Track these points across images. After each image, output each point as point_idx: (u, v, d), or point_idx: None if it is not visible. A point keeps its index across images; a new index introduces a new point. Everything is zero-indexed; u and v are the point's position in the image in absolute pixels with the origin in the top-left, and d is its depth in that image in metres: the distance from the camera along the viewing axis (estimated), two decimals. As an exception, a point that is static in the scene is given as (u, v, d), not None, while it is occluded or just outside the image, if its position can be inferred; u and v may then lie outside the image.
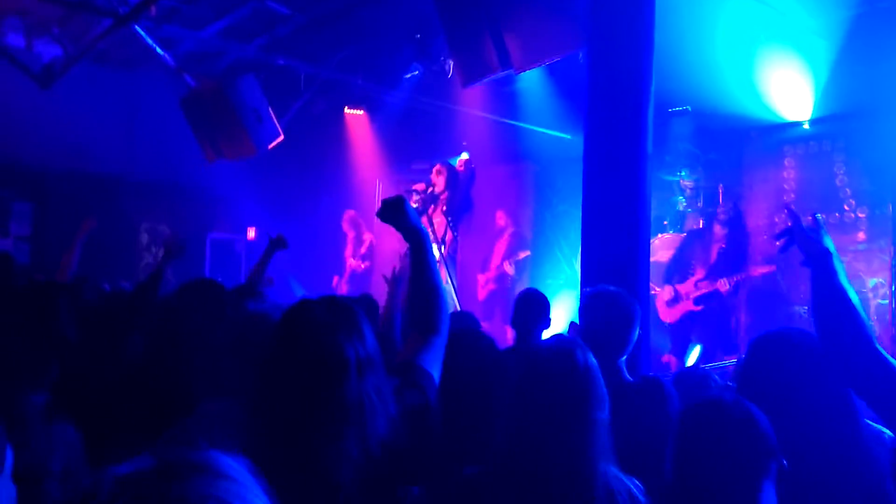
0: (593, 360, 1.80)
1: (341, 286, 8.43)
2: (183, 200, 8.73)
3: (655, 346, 6.02)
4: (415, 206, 7.16)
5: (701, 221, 7.63)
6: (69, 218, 7.55)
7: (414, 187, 7.31)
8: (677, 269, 7.22)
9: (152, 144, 8.39)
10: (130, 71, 8.21)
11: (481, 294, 8.58)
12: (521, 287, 8.55)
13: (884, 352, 1.79)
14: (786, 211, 2.19)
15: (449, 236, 7.46)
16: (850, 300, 1.87)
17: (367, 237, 8.67)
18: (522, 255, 8.53)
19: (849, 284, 1.93)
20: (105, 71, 8.13)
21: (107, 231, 5.63)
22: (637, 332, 2.65)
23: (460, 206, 7.93)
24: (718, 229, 7.07)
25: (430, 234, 7.15)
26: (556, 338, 1.94)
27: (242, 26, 7.07)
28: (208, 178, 8.16)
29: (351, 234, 8.48)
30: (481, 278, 8.60)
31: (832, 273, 1.93)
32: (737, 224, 7.00)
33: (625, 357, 2.63)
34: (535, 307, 3.88)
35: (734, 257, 6.92)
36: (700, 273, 7.04)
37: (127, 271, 8.75)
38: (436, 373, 1.84)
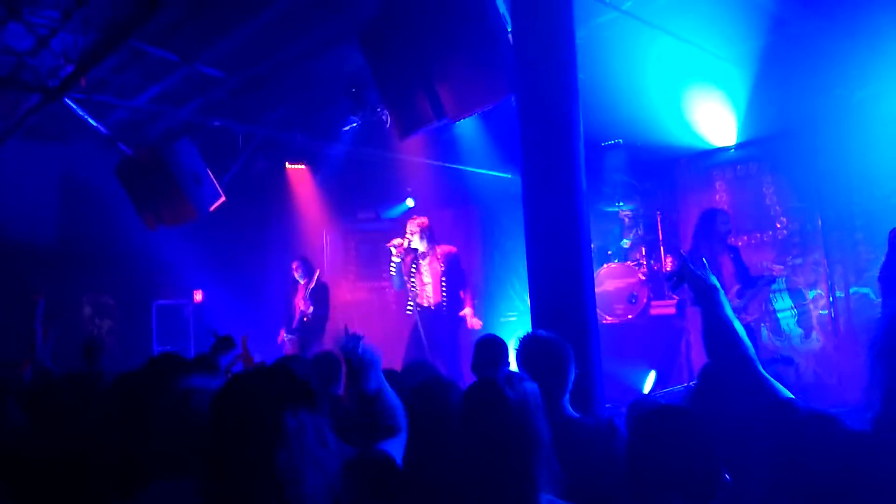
0: (528, 393, 1.86)
1: (287, 342, 8.22)
2: (125, 269, 8.55)
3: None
4: (397, 259, 7.17)
5: (643, 249, 7.83)
6: (8, 294, 7.34)
7: (391, 244, 7.35)
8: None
9: (90, 215, 8.22)
10: (63, 143, 8.09)
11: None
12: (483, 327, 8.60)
13: (766, 374, 1.99)
14: (672, 256, 2.43)
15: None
16: (734, 330, 2.07)
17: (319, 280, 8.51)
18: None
19: (733, 315, 2.15)
20: (37, 145, 8.00)
21: (48, 305, 5.48)
22: (573, 372, 2.74)
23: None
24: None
25: (425, 287, 7.16)
26: (494, 374, 1.97)
27: (175, 91, 7.07)
28: (150, 244, 8.02)
29: (304, 282, 8.35)
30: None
31: (719, 306, 2.13)
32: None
33: (566, 395, 2.71)
34: (493, 351, 3.91)
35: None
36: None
37: (70, 345, 8.48)
38: None
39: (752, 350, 2.02)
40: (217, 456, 1.49)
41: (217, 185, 6.82)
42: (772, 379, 1.96)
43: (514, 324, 8.40)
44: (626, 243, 7.91)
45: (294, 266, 8.41)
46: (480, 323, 7.09)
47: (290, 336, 8.21)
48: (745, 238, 6.91)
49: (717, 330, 2.09)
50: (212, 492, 1.48)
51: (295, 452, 1.46)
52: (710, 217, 6.03)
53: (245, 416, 1.49)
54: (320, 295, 8.38)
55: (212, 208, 6.77)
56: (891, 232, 4.44)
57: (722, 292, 2.18)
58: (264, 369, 1.64)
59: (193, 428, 1.90)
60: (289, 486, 1.44)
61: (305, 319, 8.21)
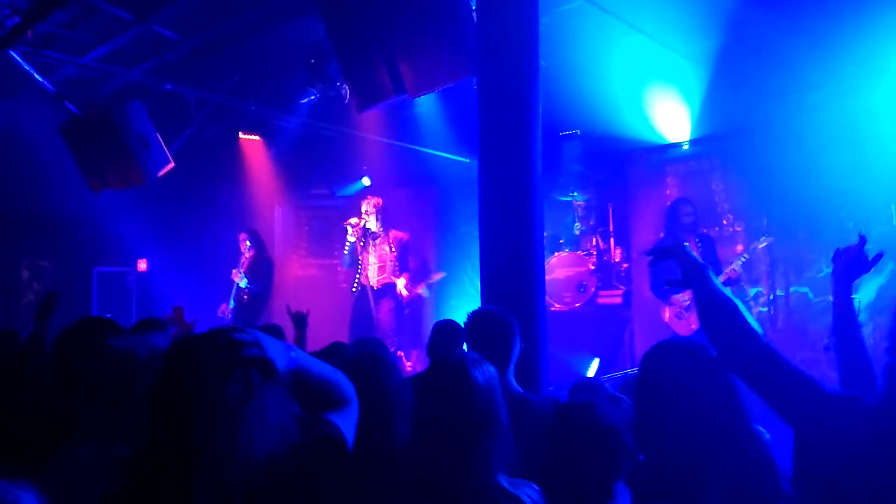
0: (492, 375, 1.88)
1: (227, 313, 8.05)
2: (67, 233, 8.28)
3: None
4: (352, 239, 7.12)
5: (595, 239, 7.93)
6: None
7: (347, 222, 7.28)
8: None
9: (32, 175, 7.92)
10: (7, 98, 7.76)
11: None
12: (432, 309, 8.64)
13: (776, 350, 1.84)
14: (664, 231, 2.34)
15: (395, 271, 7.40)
16: (733, 304, 1.94)
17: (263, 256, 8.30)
18: (436, 276, 8.49)
19: (728, 291, 2.02)
20: (-23, 98, 7.67)
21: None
22: (518, 345, 2.81)
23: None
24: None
25: (367, 264, 7.12)
26: (458, 355, 1.98)
27: (127, 51, 6.83)
28: (94, 208, 7.77)
29: (250, 254, 8.12)
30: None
31: (712, 283, 2.01)
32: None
33: (510, 369, 2.77)
34: (449, 335, 3.93)
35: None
36: None
37: (8, 310, 8.20)
38: None
39: (756, 325, 1.90)
40: (163, 415, 1.42)
41: (166, 151, 6.64)
42: (781, 354, 1.83)
43: (463, 306, 8.43)
44: (578, 227, 7.99)
45: (241, 237, 8.20)
46: (409, 293, 7.16)
47: (230, 311, 8.01)
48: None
49: (715, 307, 1.97)
50: (152, 453, 1.42)
51: (244, 417, 1.39)
52: (674, 207, 6.25)
53: (196, 375, 1.41)
54: (259, 270, 8.10)
55: (160, 174, 6.60)
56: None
57: (712, 270, 2.07)
58: (218, 331, 1.57)
59: (129, 387, 1.85)
60: (237, 451, 1.38)
61: (245, 298, 7.96)
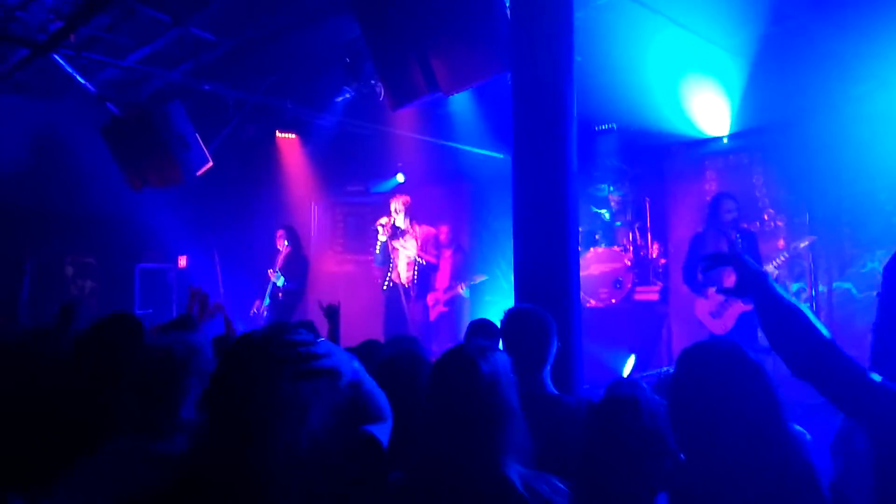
0: (503, 365, 1.87)
1: (262, 310, 8.11)
2: (109, 231, 8.47)
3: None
4: (383, 238, 7.20)
5: (631, 234, 7.83)
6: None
7: (378, 223, 7.35)
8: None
9: (75, 175, 8.13)
10: (50, 100, 7.97)
11: (432, 315, 8.48)
12: (471, 308, 8.64)
13: (851, 358, 1.74)
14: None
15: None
16: (800, 311, 1.82)
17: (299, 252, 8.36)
18: (478, 278, 8.42)
19: (793, 299, 1.89)
20: (22, 100, 7.88)
21: (31, 266, 5.44)
22: (555, 345, 2.77)
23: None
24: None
25: (396, 260, 7.16)
26: (466, 345, 1.97)
27: (166, 53, 6.95)
28: (136, 207, 7.95)
29: (286, 251, 8.18)
30: (430, 298, 8.60)
31: (774, 290, 1.89)
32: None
33: (546, 369, 2.73)
34: (484, 334, 3.91)
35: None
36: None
37: (53, 306, 8.42)
38: None
39: (827, 333, 1.78)
40: (226, 414, 1.45)
41: (205, 150, 6.75)
42: (857, 363, 1.73)
43: (497, 303, 8.40)
44: (605, 214, 7.88)
45: (279, 234, 8.24)
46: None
47: (264, 309, 8.04)
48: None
49: (780, 316, 1.84)
50: (212, 451, 1.45)
51: (308, 423, 1.43)
52: (716, 202, 6.04)
53: (265, 377, 1.44)
54: (295, 268, 8.09)
55: (199, 173, 6.71)
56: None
57: (771, 277, 1.94)
58: (270, 331, 1.61)
59: (166, 385, 1.89)
60: (298, 453, 1.42)
61: (280, 296, 7.95)
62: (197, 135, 6.72)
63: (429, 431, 1.80)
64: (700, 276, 5.61)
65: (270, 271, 8.08)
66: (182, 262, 9.13)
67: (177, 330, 3.83)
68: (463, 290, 8.10)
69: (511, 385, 1.84)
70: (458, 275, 8.24)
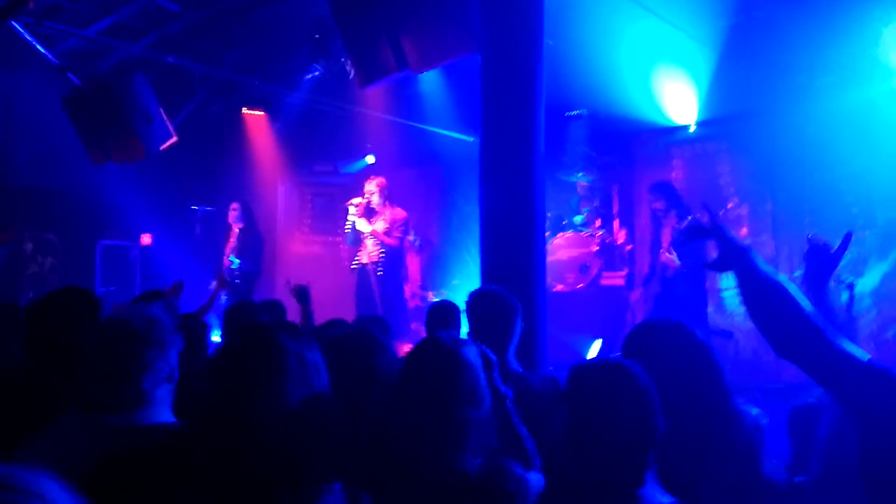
0: (474, 357, 1.87)
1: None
2: (70, 206, 8.26)
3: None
4: (353, 218, 7.11)
5: (598, 221, 7.89)
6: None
7: (350, 202, 7.23)
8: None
9: (34, 148, 7.91)
10: (9, 71, 7.72)
11: (411, 304, 8.43)
12: (434, 292, 8.64)
13: (836, 336, 1.69)
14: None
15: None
16: (783, 287, 1.75)
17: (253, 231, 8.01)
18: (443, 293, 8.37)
19: (775, 272, 1.83)
20: (-21, 69, 7.64)
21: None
22: (519, 326, 2.79)
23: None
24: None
25: (369, 242, 7.10)
26: (444, 335, 1.96)
27: (130, 24, 6.78)
28: (97, 182, 7.75)
29: (237, 229, 7.86)
30: (407, 290, 8.58)
31: (756, 266, 1.82)
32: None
33: (511, 349, 2.75)
34: (446, 317, 3.92)
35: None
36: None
37: (11, 281, 8.23)
38: None
39: (811, 308, 1.72)
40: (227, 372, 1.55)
41: (169, 125, 6.62)
42: (843, 340, 1.67)
43: (465, 286, 8.42)
44: (578, 219, 7.94)
45: (232, 207, 7.77)
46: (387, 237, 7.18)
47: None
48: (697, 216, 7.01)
49: (761, 293, 1.78)
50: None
51: (296, 374, 1.55)
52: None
53: (254, 337, 1.58)
54: (250, 247, 7.71)
55: (162, 147, 6.58)
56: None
57: (755, 252, 1.87)
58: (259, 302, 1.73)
59: (120, 355, 1.85)
60: (293, 406, 1.51)
61: (237, 280, 7.54)
62: (161, 109, 6.58)
63: (397, 413, 1.80)
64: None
65: (225, 258, 7.68)
66: (146, 239, 8.96)
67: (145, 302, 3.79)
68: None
69: (483, 379, 1.86)
70: (428, 271, 8.26)
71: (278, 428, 1.48)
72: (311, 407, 1.55)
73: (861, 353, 1.65)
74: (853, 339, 1.81)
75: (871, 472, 1.61)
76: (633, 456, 1.67)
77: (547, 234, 6.41)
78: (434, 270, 9.17)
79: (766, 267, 1.80)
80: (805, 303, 1.71)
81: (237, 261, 7.60)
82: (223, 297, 7.24)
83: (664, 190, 6.27)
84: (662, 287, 6.12)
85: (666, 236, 6.11)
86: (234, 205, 7.82)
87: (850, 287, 2.92)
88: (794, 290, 1.73)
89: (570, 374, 1.80)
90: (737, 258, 1.84)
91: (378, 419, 1.89)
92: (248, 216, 7.80)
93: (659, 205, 6.21)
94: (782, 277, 1.78)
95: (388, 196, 7.37)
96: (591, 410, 1.71)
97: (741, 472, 1.95)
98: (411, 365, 1.87)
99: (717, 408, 2.03)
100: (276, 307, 4.29)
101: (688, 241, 2.07)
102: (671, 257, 5.91)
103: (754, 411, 2.23)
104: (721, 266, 1.89)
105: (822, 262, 2.29)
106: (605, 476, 1.68)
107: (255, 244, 7.77)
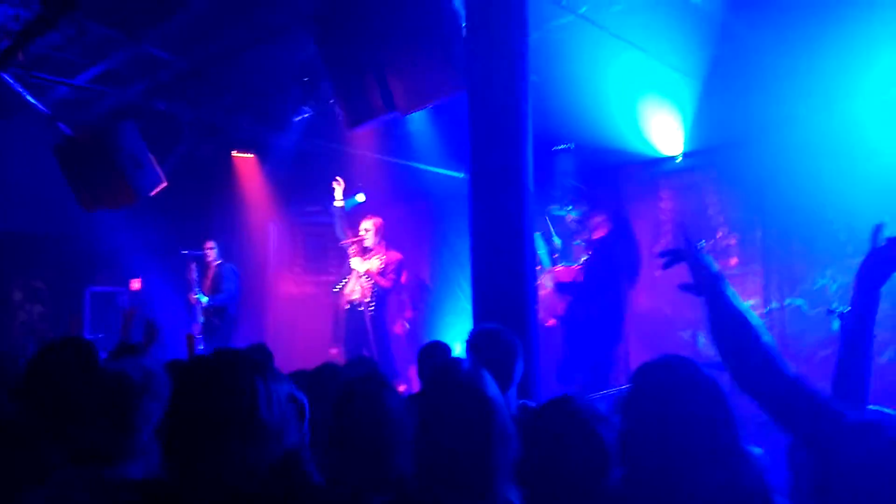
0: (496, 390, 1.84)
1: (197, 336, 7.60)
2: (59, 253, 8.24)
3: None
4: (356, 257, 7.13)
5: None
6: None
7: (344, 242, 7.28)
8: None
9: (25, 196, 7.90)
10: (1, 121, 7.77)
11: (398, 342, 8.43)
12: (428, 325, 8.62)
13: (792, 371, 1.73)
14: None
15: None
16: (748, 321, 1.81)
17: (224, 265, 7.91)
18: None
19: (744, 305, 1.87)
20: (-29, 120, 7.67)
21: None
22: (520, 365, 2.76)
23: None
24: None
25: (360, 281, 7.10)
26: (465, 370, 1.92)
27: (120, 72, 6.85)
28: (87, 229, 7.74)
29: (216, 264, 7.74)
30: (398, 327, 8.55)
31: (725, 296, 1.86)
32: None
33: (512, 389, 2.71)
34: (438, 357, 3.88)
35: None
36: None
37: (1, 330, 8.15)
38: None
39: (772, 342, 1.77)
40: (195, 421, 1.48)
41: (159, 170, 6.64)
42: (798, 375, 1.72)
43: (459, 324, 8.39)
44: (558, 242, 7.95)
45: (207, 246, 7.73)
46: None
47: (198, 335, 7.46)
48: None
49: (726, 321, 1.82)
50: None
51: (273, 410, 1.51)
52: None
53: (226, 382, 1.51)
54: (222, 281, 7.59)
55: (153, 193, 6.59)
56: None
57: (726, 280, 1.91)
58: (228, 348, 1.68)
59: (122, 410, 1.85)
60: (272, 441, 1.48)
61: (214, 319, 7.42)
62: (150, 154, 6.60)
63: (427, 462, 1.75)
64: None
65: (191, 294, 7.53)
66: (135, 284, 8.91)
67: (126, 356, 3.74)
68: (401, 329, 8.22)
69: (505, 411, 1.82)
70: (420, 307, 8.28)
71: (252, 487, 1.45)
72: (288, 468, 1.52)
73: (819, 389, 1.67)
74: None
75: None
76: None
77: (538, 268, 6.43)
78: (426, 307, 9.14)
79: (734, 296, 1.83)
80: (770, 340, 1.74)
81: (205, 297, 7.49)
82: (200, 346, 7.09)
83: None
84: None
85: None
86: (210, 243, 7.83)
87: (842, 316, 2.89)
88: (758, 322, 1.76)
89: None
90: (708, 284, 1.86)
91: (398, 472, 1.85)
92: (224, 253, 7.84)
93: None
94: (746, 308, 1.81)
95: (384, 236, 7.39)
96: (539, 451, 1.71)
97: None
98: (432, 406, 1.82)
99: (728, 450, 2.00)
100: (262, 351, 4.25)
101: (669, 264, 2.04)
102: None
103: (757, 451, 2.20)
104: (696, 290, 1.90)
105: (880, 265, 2.08)
106: None
107: (227, 278, 7.70)
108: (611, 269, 6.61)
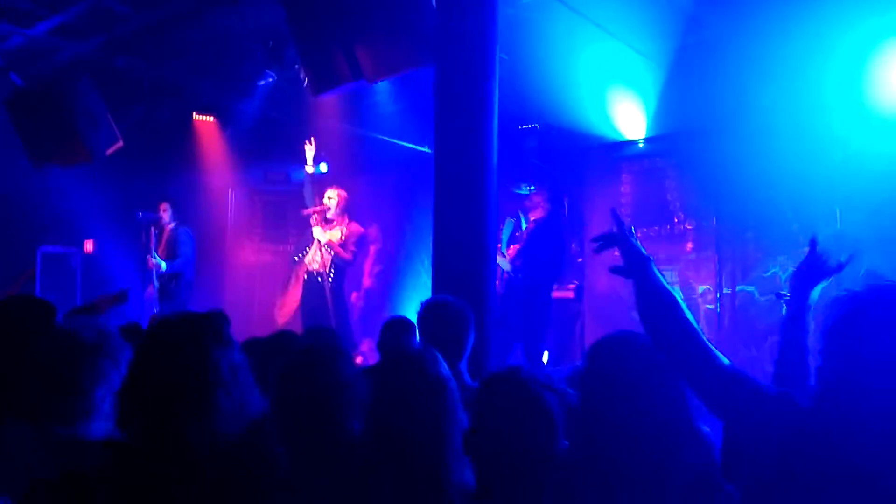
0: (448, 372, 1.87)
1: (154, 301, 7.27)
2: (8, 211, 7.98)
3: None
4: (318, 226, 7.04)
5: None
6: None
7: (306, 211, 7.16)
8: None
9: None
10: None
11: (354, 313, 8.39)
12: (388, 299, 8.61)
13: (710, 346, 1.85)
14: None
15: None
16: (674, 299, 1.91)
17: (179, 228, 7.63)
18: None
19: (669, 286, 1.97)
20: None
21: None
22: (472, 336, 2.78)
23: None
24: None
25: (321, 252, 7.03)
26: (413, 349, 1.96)
27: (78, 24, 6.61)
28: (39, 186, 7.51)
29: (169, 227, 7.49)
30: (353, 296, 8.50)
31: (653, 276, 1.96)
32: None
33: (464, 361, 2.73)
34: (400, 332, 3.89)
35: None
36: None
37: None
38: None
39: (693, 320, 1.87)
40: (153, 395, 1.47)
41: (115, 129, 6.47)
42: (715, 350, 1.83)
43: (419, 297, 8.39)
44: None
45: (162, 207, 7.50)
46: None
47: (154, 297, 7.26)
48: (644, 230, 7.17)
49: (653, 300, 1.92)
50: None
51: (229, 386, 1.51)
52: None
53: (181, 355, 1.51)
54: (178, 247, 7.40)
55: (109, 152, 6.43)
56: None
57: (654, 263, 2.01)
58: (185, 313, 1.68)
59: (71, 367, 1.82)
60: (232, 409, 1.48)
61: (172, 284, 7.24)
62: (108, 112, 6.42)
63: (377, 435, 1.78)
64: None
65: (149, 258, 7.27)
66: (88, 246, 8.70)
67: (83, 314, 3.68)
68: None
69: (457, 392, 1.85)
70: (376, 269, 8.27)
71: (215, 451, 1.44)
72: (250, 433, 1.51)
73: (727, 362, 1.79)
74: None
75: (731, 473, 1.77)
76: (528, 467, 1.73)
77: (500, 245, 6.47)
78: (387, 280, 9.14)
79: (662, 279, 1.93)
80: (691, 318, 1.84)
81: (164, 263, 7.26)
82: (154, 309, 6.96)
83: None
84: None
85: None
86: (164, 205, 7.56)
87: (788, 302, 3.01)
88: (684, 306, 1.87)
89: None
90: (637, 267, 1.95)
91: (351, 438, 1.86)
92: (179, 216, 7.59)
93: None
94: (676, 291, 1.92)
95: (347, 209, 7.34)
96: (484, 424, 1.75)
97: (704, 489, 1.99)
98: (384, 384, 1.85)
99: (678, 426, 2.05)
100: (220, 317, 4.21)
101: (598, 249, 2.13)
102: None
103: (705, 428, 2.28)
104: (626, 273, 1.99)
105: (809, 270, 2.32)
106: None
107: (183, 242, 7.49)
108: (537, 250, 6.72)
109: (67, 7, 6.38)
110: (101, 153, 6.37)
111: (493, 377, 1.87)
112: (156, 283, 7.20)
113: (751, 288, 6.72)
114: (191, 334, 1.55)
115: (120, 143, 6.50)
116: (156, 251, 7.24)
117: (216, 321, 1.59)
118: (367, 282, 8.81)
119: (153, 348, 1.55)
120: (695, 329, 1.85)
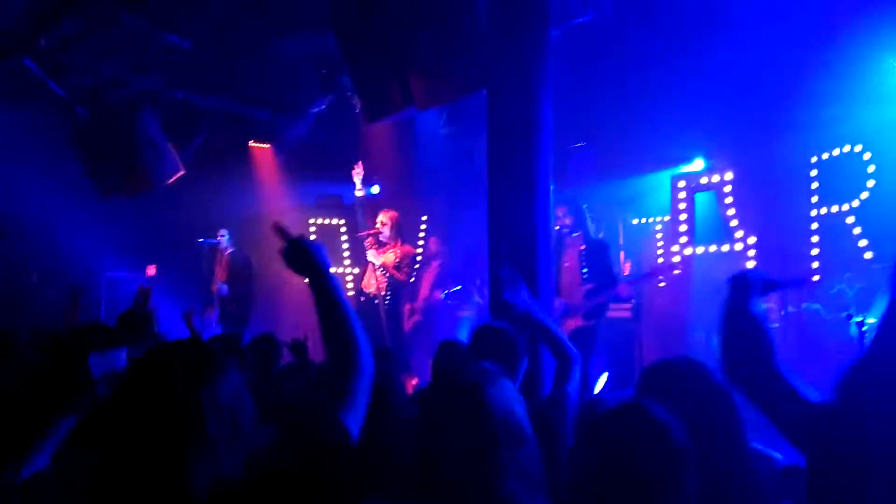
0: (507, 391, 1.81)
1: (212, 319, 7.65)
2: (76, 239, 8.27)
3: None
4: (371, 250, 7.13)
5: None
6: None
7: (361, 234, 7.27)
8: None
9: (39, 180, 7.92)
10: (21, 104, 7.78)
11: (407, 326, 8.40)
12: (445, 320, 8.58)
13: (796, 381, 1.84)
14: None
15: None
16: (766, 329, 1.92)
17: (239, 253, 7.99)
18: (454, 288, 8.41)
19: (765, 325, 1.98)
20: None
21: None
22: (524, 363, 2.76)
23: None
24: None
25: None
26: (469, 371, 1.90)
27: (141, 59, 6.86)
28: (104, 215, 7.76)
29: (227, 252, 7.81)
30: (407, 309, 8.53)
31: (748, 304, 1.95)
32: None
33: (516, 386, 2.70)
34: (454, 357, 3.87)
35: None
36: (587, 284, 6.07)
37: (17, 311, 8.20)
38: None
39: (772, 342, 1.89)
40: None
41: (177, 158, 6.66)
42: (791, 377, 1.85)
43: (472, 320, 8.36)
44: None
45: (220, 234, 7.80)
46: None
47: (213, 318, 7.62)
48: (703, 249, 7.04)
49: (736, 325, 1.95)
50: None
51: (221, 422, 1.42)
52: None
53: (163, 397, 1.41)
54: (237, 271, 7.69)
55: (170, 181, 6.62)
56: None
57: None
58: (169, 346, 1.59)
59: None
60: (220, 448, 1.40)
61: (231, 307, 7.53)
62: (168, 142, 6.62)
63: (427, 462, 1.74)
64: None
65: (213, 286, 7.66)
66: (151, 270, 8.93)
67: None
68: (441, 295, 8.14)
69: (519, 410, 1.78)
70: (438, 285, 8.28)
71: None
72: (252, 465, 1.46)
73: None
74: None
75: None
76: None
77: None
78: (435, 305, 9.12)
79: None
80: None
81: (224, 287, 7.56)
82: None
83: (575, 207, 5.95)
84: None
85: (571, 258, 5.85)
86: (222, 231, 7.84)
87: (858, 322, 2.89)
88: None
89: (585, 415, 1.76)
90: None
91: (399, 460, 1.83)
92: (236, 241, 7.84)
93: (568, 220, 5.89)
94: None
95: (400, 231, 7.38)
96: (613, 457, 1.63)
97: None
98: (433, 409, 1.80)
99: (732, 452, 1.99)
100: (268, 341, 4.30)
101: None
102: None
103: (778, 456, 2.19)
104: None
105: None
106: None
107: (242, 266, 7.75)
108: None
109: (130, 43, 6.61)
110: (164, 182, 6.56)
111: (618, 410, 1.73)
112: (217, 306, 7.42)
113: (817, 306, 6.50)
114: (170, 379, 1.45)
115: (181, 172, 6.69)
116: (215, 275, 7.47)
117: (204, 353, 1.52)
118: (424, 292, 8.76)
119: (131, 389, 1.46)
120: (772, 354, 1.83)
